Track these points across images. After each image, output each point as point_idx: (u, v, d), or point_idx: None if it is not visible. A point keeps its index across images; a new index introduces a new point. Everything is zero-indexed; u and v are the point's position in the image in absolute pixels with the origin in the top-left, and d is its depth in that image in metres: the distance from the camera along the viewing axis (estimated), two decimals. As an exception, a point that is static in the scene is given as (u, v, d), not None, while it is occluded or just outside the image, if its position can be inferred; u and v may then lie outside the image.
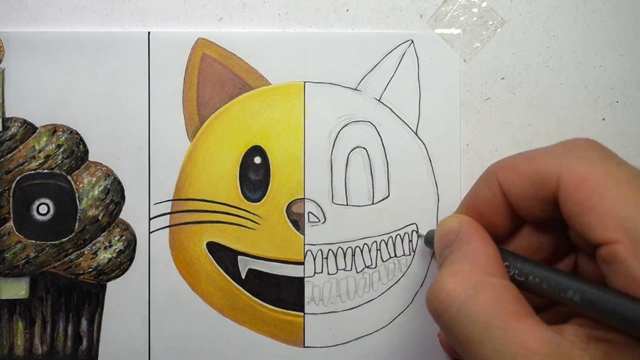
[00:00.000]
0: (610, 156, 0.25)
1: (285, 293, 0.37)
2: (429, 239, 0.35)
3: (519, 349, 0.23)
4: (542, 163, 0.26)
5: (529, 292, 0.27)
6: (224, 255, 0.37)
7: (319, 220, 0.37)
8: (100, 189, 0.37)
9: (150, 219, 0.37)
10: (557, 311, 0.30)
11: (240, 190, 0.37)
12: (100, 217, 0.37)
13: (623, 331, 0.24)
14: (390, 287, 0.38)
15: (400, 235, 0.38)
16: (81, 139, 0.37)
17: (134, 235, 0.37)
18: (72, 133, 0.37)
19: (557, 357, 0.23)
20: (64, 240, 0.37)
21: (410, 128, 0.38)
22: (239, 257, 0.37)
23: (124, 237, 0.37)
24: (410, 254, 0.38)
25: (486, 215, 0.29)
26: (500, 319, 0.24)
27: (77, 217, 0.37)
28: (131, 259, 0.37)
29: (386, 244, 0.37)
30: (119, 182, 0.37)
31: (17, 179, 0.37)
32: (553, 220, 0.27)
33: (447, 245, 0.29)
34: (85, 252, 0.37)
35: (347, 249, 0.37)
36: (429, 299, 0.27)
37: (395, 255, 0.38)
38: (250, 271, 0.37)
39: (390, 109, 0.38)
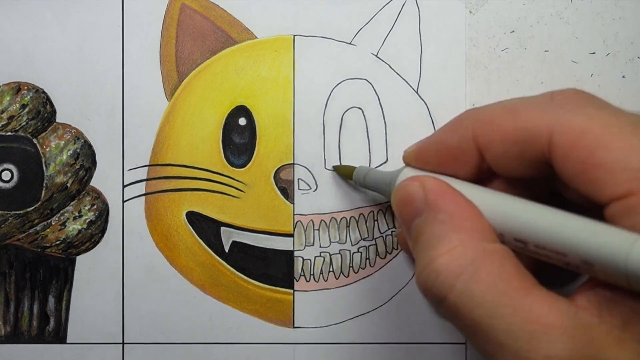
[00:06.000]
0: (604, 105, 0.23)
1: (272, 268, 0.35)
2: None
3: (536, 326, 0.22)
4: (529, 119, 0.24)
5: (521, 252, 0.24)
6: (205, 227, 0.35)
7: (310, 188, 0.35)
8: (69, 153, 0.35)
9: (124, 186, 0.35)
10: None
11: (223, 155, 0.35)
12: (69, 185, 0.35)
13: None
14: (389, 261, 0.36)
15: (399, 205, 0.35)
16: (48, 99, 0.35)
17: (106, 205, 0.35)
18: (38, 92, 0.35)
19: (577, 329, 0.22)
20: (29, 209, 0.35)
21: (411, 86, 0.35)
22: (222, 228, 0.35)
23: (95, 207, 0.35)
24: (410, 225, 0.35)
25: (447, 164, 0.27)
26: (507, 295, 0.22)
27: (44, 185, 0.35)
28: (103, 231, 0.35)
29: (384, 214, 0.35)
30: (90, 146, 0.35)
31: (-22, 142, 0.35)
32: (535, 178, 0.25)
33: (414, 214, 0.26)
34: (53, 223, 0.35)
35: (340, 219, 0.35)
36: (424, 285, 0.24)
37: (394, 227, 0.35)
38: (235, 244, 0.35)
39: (389, 65, 0.36)
